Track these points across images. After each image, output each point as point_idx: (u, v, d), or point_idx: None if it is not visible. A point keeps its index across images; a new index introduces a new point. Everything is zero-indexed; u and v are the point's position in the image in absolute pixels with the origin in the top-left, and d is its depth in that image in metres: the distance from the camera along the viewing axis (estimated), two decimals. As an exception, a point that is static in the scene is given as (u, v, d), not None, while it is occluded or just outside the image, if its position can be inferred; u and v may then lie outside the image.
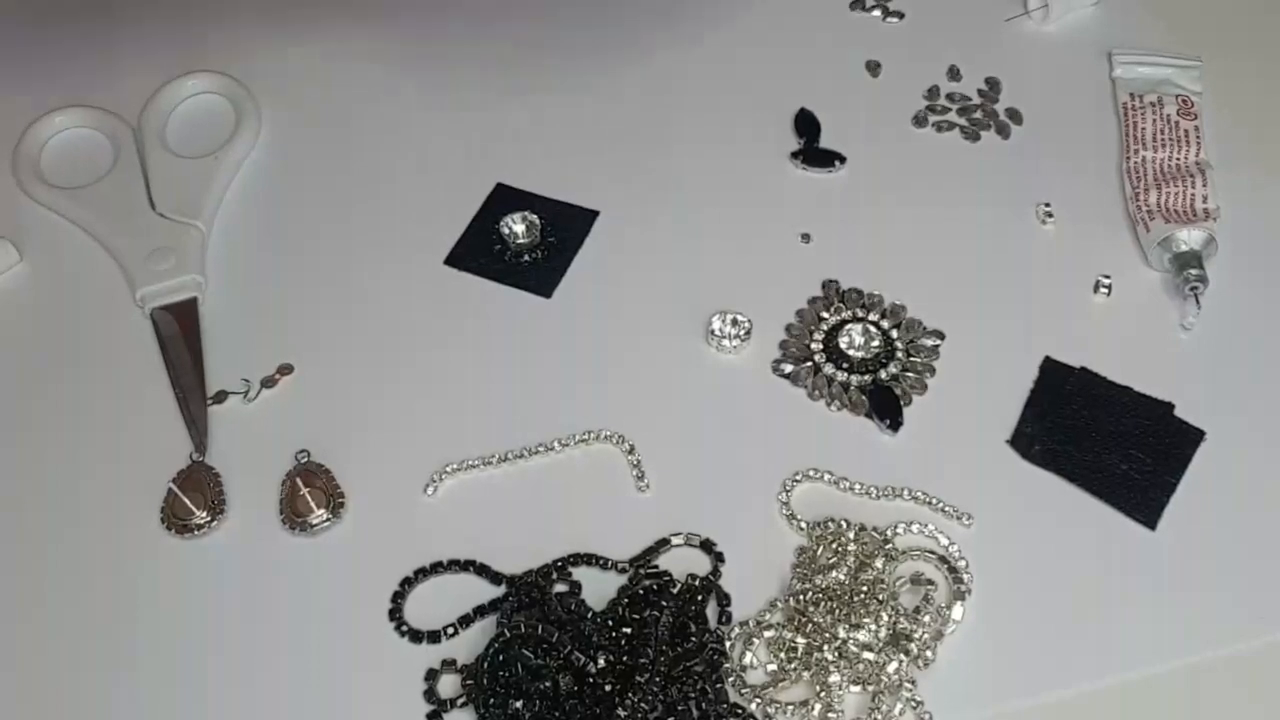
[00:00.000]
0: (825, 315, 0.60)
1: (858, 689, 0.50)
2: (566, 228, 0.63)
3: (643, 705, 0.49)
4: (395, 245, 0.64)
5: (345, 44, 0.71)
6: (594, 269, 0.63)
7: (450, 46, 0.71)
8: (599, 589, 0.53)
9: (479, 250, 0.63)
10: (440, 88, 0.69)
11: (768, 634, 0.52)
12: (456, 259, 0.63)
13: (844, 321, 0.60)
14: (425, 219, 0.64)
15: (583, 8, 0.73)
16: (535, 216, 0.63)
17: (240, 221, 0.65)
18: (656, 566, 0.54)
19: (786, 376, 0.59)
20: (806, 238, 0.63)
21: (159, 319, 0.60)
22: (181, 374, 0.58)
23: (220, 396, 0.58)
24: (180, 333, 0.59)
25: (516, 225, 0.63)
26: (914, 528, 0.54)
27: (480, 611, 0.53)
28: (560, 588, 0.53)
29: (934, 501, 0.55)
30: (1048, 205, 0.64)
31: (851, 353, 0.59)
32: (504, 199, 0.65)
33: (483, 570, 0.54)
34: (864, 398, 0.58)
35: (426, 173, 0.66)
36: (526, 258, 0.63)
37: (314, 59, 0.71)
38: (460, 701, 0.50)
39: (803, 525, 0.54)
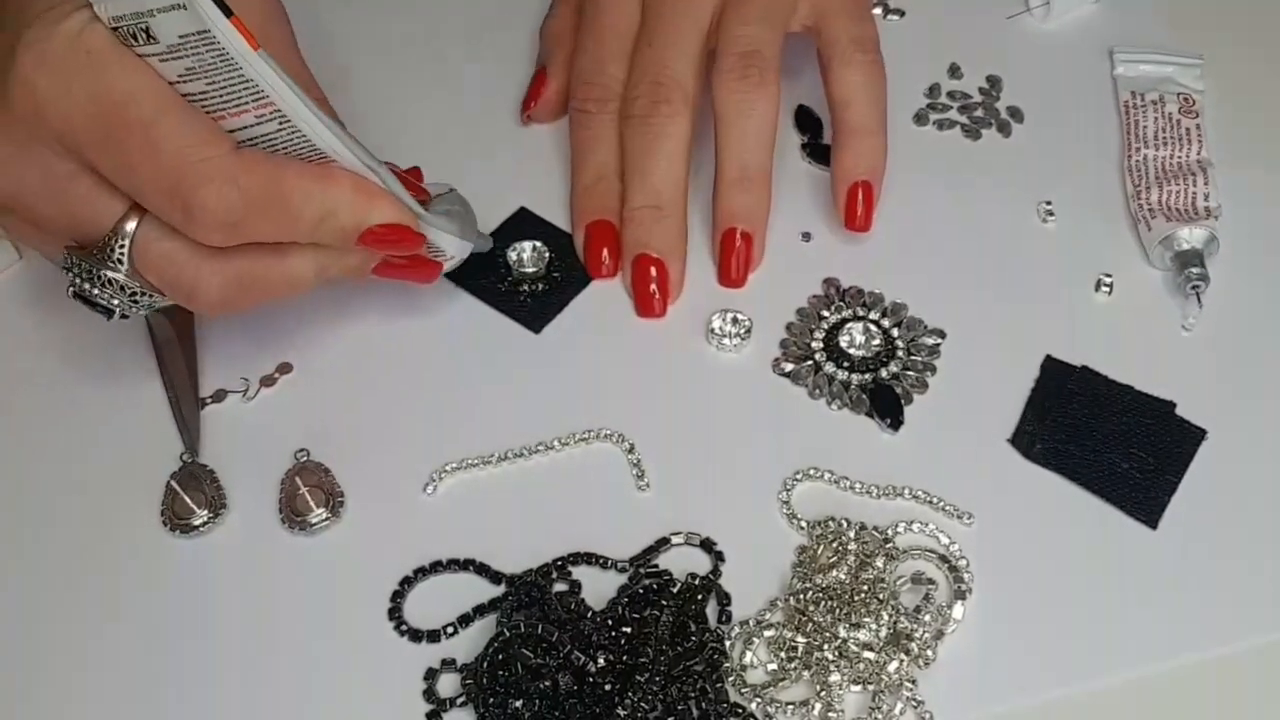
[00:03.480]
0: (826, 314, 0.60)
1: (858, 688, 0.50)
2: (575, 264, 0.62)
3: (643, 705, 0.49)
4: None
5: (372, 37, 0.71)
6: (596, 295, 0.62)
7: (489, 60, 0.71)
8: (599, 588, 0.53)
9: (480, 270, 0.61)
10: (474, 96, 0.68)
11: (768, 633, 0.51)
12: (453, 274, 0.60)
13: (845, 320, 0.60)
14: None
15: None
16: (545, 248, 0.62)
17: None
18: (656, 566, 0.53)
19: (787, 375, 0.59)
20: (807, 236, 0.63)
21: (154, 321, 0.60)
22: (174, 376, 0.58)
23: (219, 395, 0.58)
24: (174, 335, 0.59)
25: (524, 254, 0.62)
26: (914, 527, 0.54)
27: (480, 611, 0.53)
28: (560, 587, 0.53)
29: (935, 500, 0.55)
30: (1049, 203, 0.64)
31: (852, 351, 0.59)
32: (522, 224, 0.63)
33: (482, 569, 0.54)
34: (865, 396, 0.58)
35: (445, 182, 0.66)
36: (526, 288, 0.61)
37: (334, 50, 0.70)
38: (460, 701, 0.50)
39: (803, 524, 0.54)
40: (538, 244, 0.62)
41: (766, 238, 0.62)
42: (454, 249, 0.56)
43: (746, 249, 0.61)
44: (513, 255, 0.61)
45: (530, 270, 0.61)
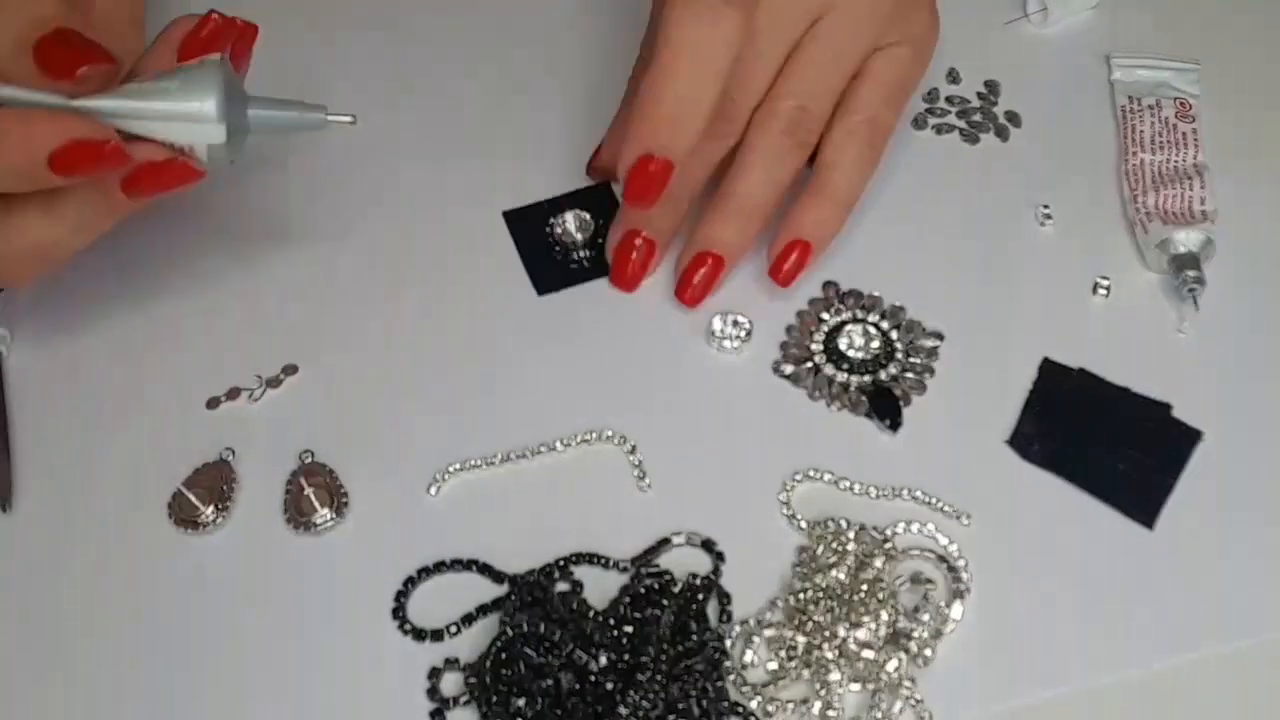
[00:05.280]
0: (825, 316, 0.61)
1: (857, 687, 0.51)
2: (605, 210, 0.64)
3: (644, 703, 0.49)
4: (400, 255, 0.64)
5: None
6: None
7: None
8: (601, 588, 0.53)
9: (549, 266, 0.62)
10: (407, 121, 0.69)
11: (768, 633, 0.52)
12: (546, 286, 0.62)
13: (844, 322, 0.60)
14: (424, 229, 0.65)
15: (573, 6, 0.73)
16: (584, 213, 0.63)
17: (240, 226, 0.65)
18: (658, 566, 0.54)
19: (787, 377, 0.59)
20: (807, 239, 0.64)
21: None
22: None
23: (233, 393, 0.58)
24: None
25: (568, 224, 0.63)
26: (913, 527, 0.54)
27: (483, 610, 0.53)
28: (562, 587, 0.53)
29: (933, 501, 0.55)
30: (1046, 207, 0.64)
31: (851, 353, 0.59)
32: (521, 218, 0.64)
33: (485, 569, 0.54)
34: (864, 398, 0.58)
35: (425, 195, 0.66)
36: (586, 253, 0.63)
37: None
38: (463, 700, 0.51)
39: (803, 525, 0.55)
40: (579, 212, 0.63)
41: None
42: (179, 134, 0.47)
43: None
44: (559, 229, 0.63)
45: (582, 236, 0.63)
